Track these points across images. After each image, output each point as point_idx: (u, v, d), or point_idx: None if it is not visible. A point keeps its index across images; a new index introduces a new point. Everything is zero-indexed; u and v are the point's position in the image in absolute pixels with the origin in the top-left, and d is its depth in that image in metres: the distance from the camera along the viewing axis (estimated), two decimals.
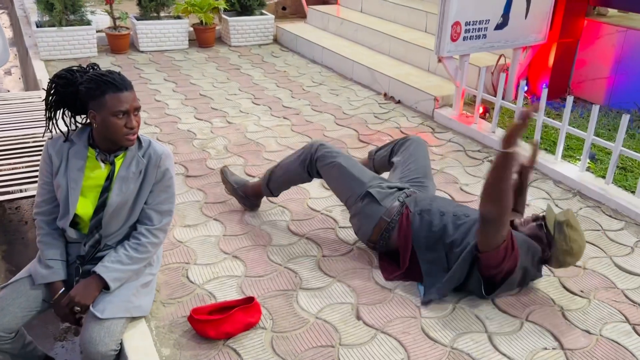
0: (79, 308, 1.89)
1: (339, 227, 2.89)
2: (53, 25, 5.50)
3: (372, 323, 2.21)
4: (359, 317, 2.24)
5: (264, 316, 2.22)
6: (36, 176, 3.02)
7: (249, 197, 2.96)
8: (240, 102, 4.74)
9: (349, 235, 2.82)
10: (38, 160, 3.20)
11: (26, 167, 3.15)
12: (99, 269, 1.92)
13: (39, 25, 5.60)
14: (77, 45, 5.61)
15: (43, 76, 4.94)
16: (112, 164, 1.96)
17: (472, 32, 4.02)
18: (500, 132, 4.01)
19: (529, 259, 2.31)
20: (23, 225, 3.54)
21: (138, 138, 1.99)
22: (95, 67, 1.93)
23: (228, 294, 2.35)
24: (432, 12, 5.78)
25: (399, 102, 4.84)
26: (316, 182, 3.36)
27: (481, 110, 4.19)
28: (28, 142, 3.45)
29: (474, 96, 4.36)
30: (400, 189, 2.58)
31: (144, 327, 2.07)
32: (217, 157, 3.68)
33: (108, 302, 1.91)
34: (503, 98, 3.92)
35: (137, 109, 1.88)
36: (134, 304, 1.99)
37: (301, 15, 7.78)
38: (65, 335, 2.68)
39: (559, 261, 2.32)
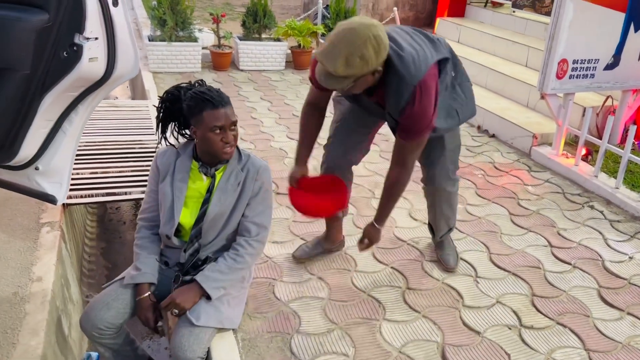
0: (176, 311, 1.95)
1: (426, 260, 2.82)
2: (163, 40, 5.87)
3: None
4: (444, 358, 2.16)
5: (347, 343, 2.19)
6: (140, 180, 3.21)
7: (336, 242, 2.82)
8: None
9: (436, 269, 2.75)
10: (143, 166, 3.40)
11: (131, 171, 3.35)
12: (199, 277, 1.98)
13: (150, 39, 6.00)
14: (183, 60, 5.96)
15: (151, 87, 5.27)
16: (213, 176, 2.03)
17: (580, 70, 3.85)
18: (603, 177, 3.78)
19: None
20: (122, 225, 3.76)
21: (239, 151, 2.06)
22: (201, 83, 2.02)
23: (312, 315, 2.35)
24: (534, 47, 5.61)
25: (493, 136, 4.71)
26: (404, 212, 3.32)
27: (584, 152, 3.98)
28: (134, 148, 3.67)
29: (575, 136, 4.16)
30: None
31: (231, 339, 2.11)
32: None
33: (203, 310, 1.97)
34: (608, 141, 3.70)
35: (233, 123, 1.93)
36: (226, 315, 2.04)
37: None
38: (152, 335, 2.79)
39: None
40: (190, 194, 2.04)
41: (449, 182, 2.52)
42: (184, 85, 2.02)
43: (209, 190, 2.03)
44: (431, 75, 2.00)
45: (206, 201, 2.03)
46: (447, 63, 2.12)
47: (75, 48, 1.76)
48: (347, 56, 1.80)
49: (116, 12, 1.77)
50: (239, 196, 2.05)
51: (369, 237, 2.38)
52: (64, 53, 1.77)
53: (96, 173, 3.30)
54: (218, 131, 1.90)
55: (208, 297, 1.98)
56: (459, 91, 2.28)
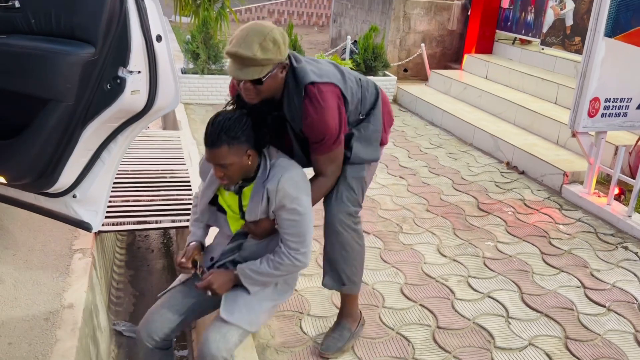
0: (210, 293, 1.97)
1: (456, 299, 2.77)
2: (196, 73, 6.03)
3: None
4: None
5: None
6: (171, 209, 3.25)
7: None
8: None
9: (466, 308, 2.70)
10: (173, 195, 3.44)
11: (162, 200, 3.39)
12: (239, 269, 1.99)
13: (183, 71, 6.16)
14: (214, 92, 6.09)
15: (182, 118, 5.38)
16: (238, 193, 2.00)
17: (612, 109, 3.81)
18: (637, 217, 3.69)
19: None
20: (150, 253, 3.79)
21: (266, 162, 1.98)
22: (236, 113, 1.92)
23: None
24: (564, 85, 5.59)
25: (522, 172, 4.66)
26: (432, 247, 3.28)
27: (616, 191, 3.91)
28: (165, 177, 3.72)
29: (607, 175, 4.09)
30: None
31: None
32: None
33: (238, 309, 1.97)
34: None
35: (220, 165, 1.86)
36: (258, 319, 2.03)
37: (422, 77, 7.87)
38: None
39: None
40: (229, 208, 2.05)
41: (345, 214, 2.22)
42: (227, 106, 1.98)
43: (240, 208, 2.02)
44: (329, 89, 1.98)
45: (242, 217, 2.02)
46: (348, 103, 2.09)
47: (118, 81, 1.83)
48: (260, 42, 1.83)
49: (159, 47, 1.83)
50: (266, 209, 1.97)
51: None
52: (108, 85, 1.84)
53: (128, 201, 3.35)
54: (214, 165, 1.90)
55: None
56: (365, 131, 2.20)
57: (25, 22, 1.87)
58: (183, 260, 2.02)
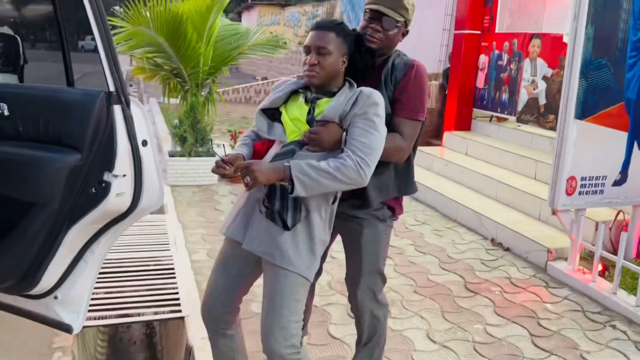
0: (248, 178, 1.81)
1: None
2: (183, 156, 6.12)
3: None
4: None
5: None
6: (154, 300, 3.20)
7: None
8: None
9: None
10: (157, 284, 3.40)
11: (146, 290, 3.34)
12: (293, 163, 1.82)
13: (171, 154, 6.26)
14: (201, 173, 6.16)
15: (168, 200, 5.41)
16: (312, 102, 1.96)
17: (589, 187, 3.92)
18: (622, 294, 3.70)
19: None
20: (132, 344, 3.69)
21: (349, 83, 2.00)
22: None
23: None
24: (542, 161, 5.75)
25: (507, 249, 4.69)
26: (422, 333, 3.24)
27: (600, 267, 3.94)
28: (149, 265, 3.69)
29: (590, 251, 4.13)
30: None
31: None
32: (321, 293, 3.70)
33: (294, 253, 1.92)
34: (624, 257, 3.67)
35: (318, 48, 1.90)
36: (310, 265, 1.97)
37: None
38: None
39: None
40: (293, 119, 1.98)
41: (373, 303, 2.37)
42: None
43: (309, 113, 1.94)
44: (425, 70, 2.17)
45: (309, 122, 1.93)
46: None
47: (103, 185, 1.86)
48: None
49: (145, 151, 1.88)
50: (346, 113, 1.90)
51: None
52: (93, 189, 1.87)
53: (110, 292, 3.30)
54: (307, 51, 1.94)
55: (285, 225, 1.90)
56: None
57: (13, 129, 1.93)
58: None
